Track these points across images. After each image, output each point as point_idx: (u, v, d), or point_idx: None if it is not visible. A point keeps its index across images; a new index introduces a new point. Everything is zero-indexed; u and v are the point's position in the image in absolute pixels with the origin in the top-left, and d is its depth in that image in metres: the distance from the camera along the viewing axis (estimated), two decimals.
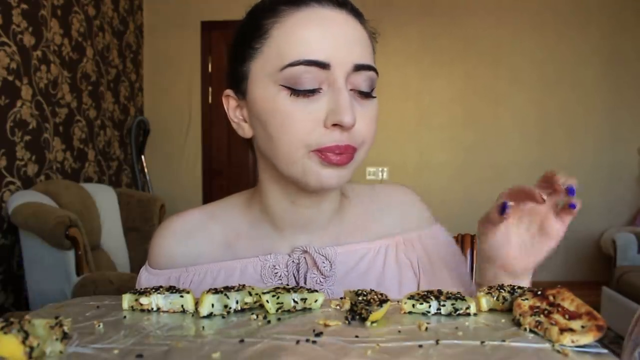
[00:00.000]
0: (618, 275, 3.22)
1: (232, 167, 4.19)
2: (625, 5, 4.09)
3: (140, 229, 3.04)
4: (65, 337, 0.39)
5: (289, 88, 0.60)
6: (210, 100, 4.19)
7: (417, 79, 4.15)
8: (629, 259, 3.36)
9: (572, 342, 0.39)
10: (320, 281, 0.70)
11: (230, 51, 0.69)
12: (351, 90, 0.62)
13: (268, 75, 0.61)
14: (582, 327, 0.40)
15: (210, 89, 4.20)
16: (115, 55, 3.67)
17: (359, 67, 0.61)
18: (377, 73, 0.64)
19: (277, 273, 0.70)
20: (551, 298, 0.45)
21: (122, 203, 3.07)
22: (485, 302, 0.50)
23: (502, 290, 0.50)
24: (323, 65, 0.59)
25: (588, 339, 0.39)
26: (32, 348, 0.35)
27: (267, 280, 0.69)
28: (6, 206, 2.33)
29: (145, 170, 3.97)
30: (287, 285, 0.62)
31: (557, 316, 0.42)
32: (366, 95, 0.63)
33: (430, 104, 4.17)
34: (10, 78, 2.43)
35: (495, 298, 0.50)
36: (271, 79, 0.61)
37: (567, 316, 0.41)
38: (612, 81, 4.13)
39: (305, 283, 0.70)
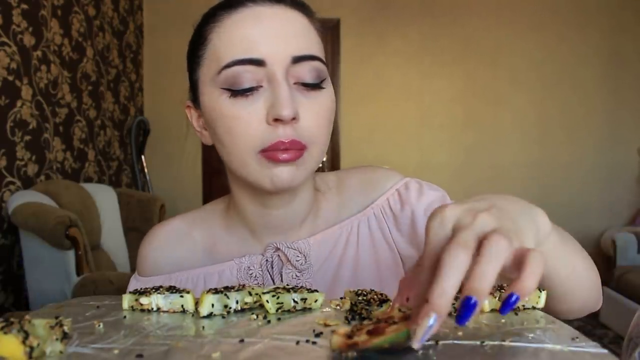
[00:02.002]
0: (618, 275, 3.22)
1: None
2: (624, 5, 4.10)
3: (141, 229, 3.03)
4: (65, 337, 0.39)
5: (228, 90, 0.60)
6: None
7: (418, 79, 4.15)
8: (629, 259, 3.36)
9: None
10: (296, 276, 0.69)
11: (187, 63, 0.70)
12: (295, 83, 0.61)
13: (210, 80, 0.62)
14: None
15: None
16: (115, 55, 3.67)
17: (298, 59, 0.60)
18: (323, 63, 0.63)
19: (252, 274, 0.70)
20: None
21: (122, 203, 3.07)
22: (487, 302, 0.50)
23: (503, 291, 0.50)
24: (258, 62, 0.59)
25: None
26: (32, 348, 0.35)
27: (243, 282, 0.69)
28: (6, 206, 2.33)
29: (145, 170, 3.97)
30: (287, 285, 0.62)
31: None
32: (313, 86, 0.62)
33: (430, 104, 4.17)
34: (10, 78, 2.43)
35: (497, 299, 0.50)
36: (213, 84, 0.61)
37: None
38: (612, 81, 4.13)
39: (281, 280, 0.69)
